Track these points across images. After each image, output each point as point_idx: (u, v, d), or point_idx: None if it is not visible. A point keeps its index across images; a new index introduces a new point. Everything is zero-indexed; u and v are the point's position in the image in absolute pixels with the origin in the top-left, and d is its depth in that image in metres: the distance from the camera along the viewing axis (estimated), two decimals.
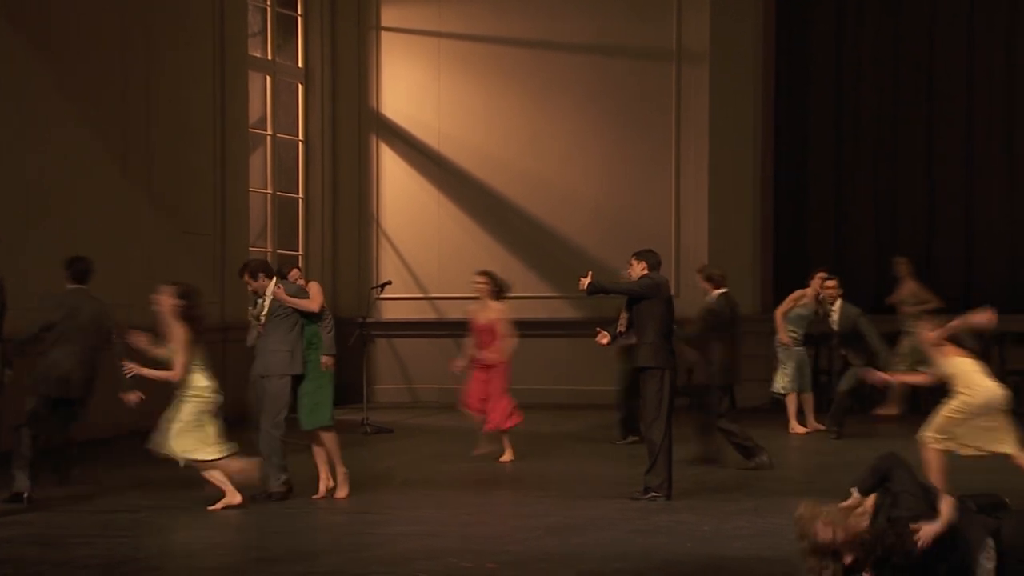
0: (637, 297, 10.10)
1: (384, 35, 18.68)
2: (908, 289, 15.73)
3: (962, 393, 8.77)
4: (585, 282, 10.23)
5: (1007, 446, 8.85)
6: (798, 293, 14.62)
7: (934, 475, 8.60)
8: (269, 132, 17.85)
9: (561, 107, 18.11)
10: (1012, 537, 6.60)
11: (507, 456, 12.23)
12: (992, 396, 8.76)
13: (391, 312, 18.33)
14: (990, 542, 6.54)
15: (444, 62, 18.49)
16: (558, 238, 18.00)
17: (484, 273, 12.40)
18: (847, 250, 18.19)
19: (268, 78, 17.86)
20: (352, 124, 18.64)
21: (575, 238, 17.94)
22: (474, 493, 10.45)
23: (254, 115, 17.50)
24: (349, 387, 16.80)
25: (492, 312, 12.07)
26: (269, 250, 17.83)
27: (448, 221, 18.41)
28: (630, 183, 17.90)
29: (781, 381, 14.28)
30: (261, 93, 17.77)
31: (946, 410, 8.84)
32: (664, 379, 9.90)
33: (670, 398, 9.97)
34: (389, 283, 17.38)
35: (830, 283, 13.73)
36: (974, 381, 8.78)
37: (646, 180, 17.85)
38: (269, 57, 17.90)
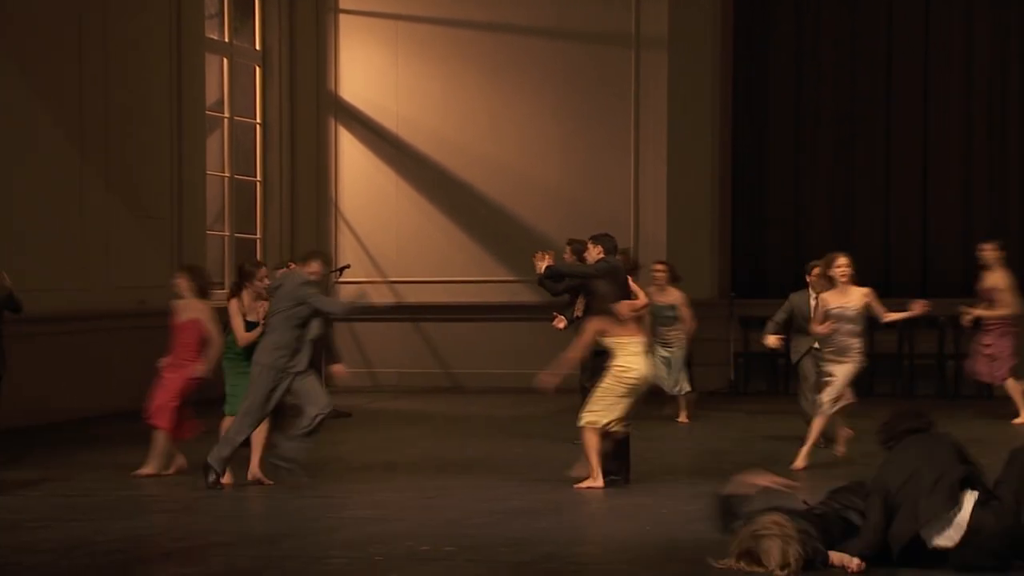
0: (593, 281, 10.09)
1: (343, 17, 18.58)
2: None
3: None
4: (542, 265, 10.20)
5: None
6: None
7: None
8: (226, 115, 17.73)
9: (520, 91, 18.09)
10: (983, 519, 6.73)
11: (177, 465, 10.66)
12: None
13: (350, 296, 18.26)
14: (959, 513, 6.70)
15: (403, 45, 18.42)
16: (516, 222, 17.99)
17: (187, 269, 11.31)
18: (804, 237, 18.27)
19: (225, 60, 17.73)
20: (310, 107, 18.54)
21: (533, 222, 17.94)
22: (433, 477, 10.43)
23: (211, 97, 17.37)
24: None
25: (193, 311, 10.75)
26: (227, 234, 17.73)
27: (406, 204, 18.36)
28: (589, 168, 17.90)
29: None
30: (218, 75, 17.65)
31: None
32: None
33: None
34: (348, 267, 17.34)
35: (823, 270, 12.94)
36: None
37: (605, 165, 17.86)
38: (226, 39, 17.77)
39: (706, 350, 16.68)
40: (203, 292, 10.82)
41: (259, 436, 10.10)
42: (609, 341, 9.64)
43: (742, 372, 17.26)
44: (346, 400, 15.71)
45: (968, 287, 17.78)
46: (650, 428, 12.76)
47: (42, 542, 7.92)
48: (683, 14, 17.65)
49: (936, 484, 6.76)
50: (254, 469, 10.10)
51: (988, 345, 13.84)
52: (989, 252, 13.95)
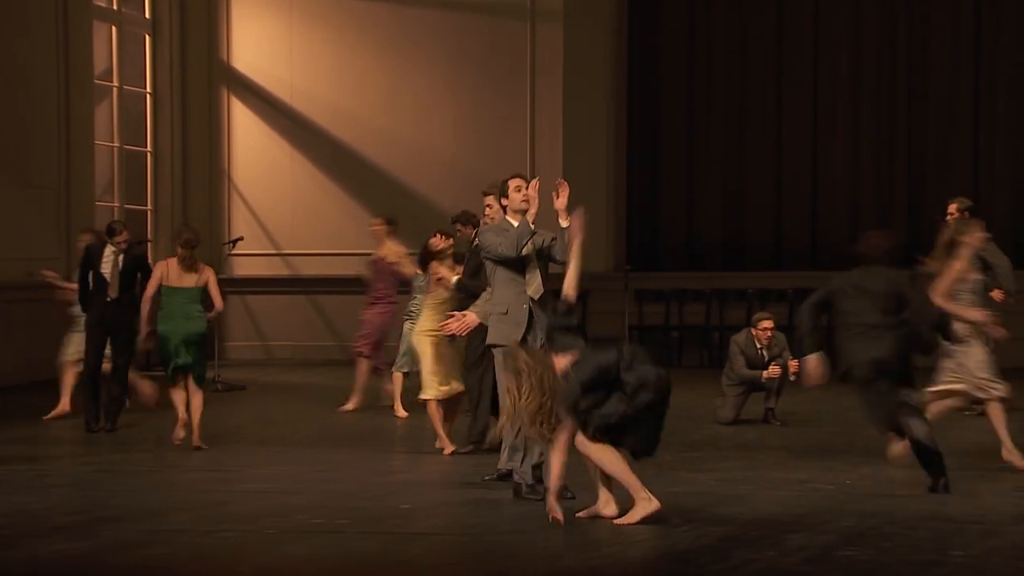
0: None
1: None
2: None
3: None
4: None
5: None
6: None
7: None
8: (115, 84, 17.43)
9: (415, 63, 18.01)
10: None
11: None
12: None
13: (244, 268, 18.10)
14: None
15: (296, 15, 18.24)
16: (411, 194, 17.94)
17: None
18: (697, 211, 18.51)
19: (114, 28, 17.42)
20: (202, 76, 18.29)
21: (429, 194, 17.91)
22: (326, 450, 10.39)
23: (99, 66, 17.06)
24: None
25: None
26: (116, 205, 17.47)
27: (301, 176, 18.22)
28: (485, 140, 17.91)
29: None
30: (107, 44, 17.33)
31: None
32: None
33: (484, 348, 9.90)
34: (241, 239, 17.15)
35: (766, 324, 11.68)
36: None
37: (501, 137, 17.88)
38: (115, 7, 17.46)
39: (601, 323, 16.80)
40: None
41: (196, 401, 10.24)
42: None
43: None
44: (240, 373, 15.60)
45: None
46: None
47: None
48: None
49: None
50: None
51: None
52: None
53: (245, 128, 18.41)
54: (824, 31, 18.23)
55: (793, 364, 11.05)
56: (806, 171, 18.34)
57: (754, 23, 18.43)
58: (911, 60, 18.10)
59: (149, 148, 18.06)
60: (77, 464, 9.67)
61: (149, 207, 18.05)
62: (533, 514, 7.66)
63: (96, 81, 16.80)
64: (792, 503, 8.03)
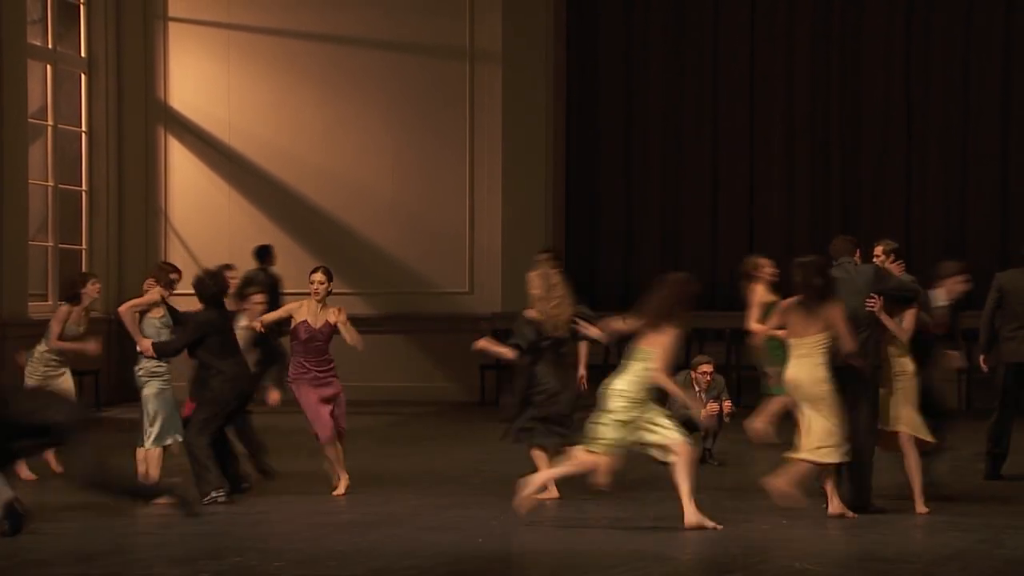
0: None
1: (172, 25, 18.26)
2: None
3: None
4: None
5: None
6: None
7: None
8: (50, 123, 17.28)
9: (354, 102, 18.02)
10: None
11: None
12: None
13: (181, 308, 17.92)
14: None
15: (234, 54, 18.19)
16: (351, 234, 17.91)
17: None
18: (635, 246, 18.62)
19: (49, 67, 17.30)
20: (139, 116, 18.18)
21: (368, 234, 17.90)
22: (263, 491, 10.29)
23: (34, 104, 16.92)
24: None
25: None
26: (50, 244, 17.29)
27: (239, 216, 18.13)
28: (424, 179, 17.93)
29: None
30: (41, 82, 17.20)
31: None
32: None
33: None
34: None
35: (706, 368, 11.59)
36: None
37: (440, 176, 17.91)
38: (50, 45, 17.34)
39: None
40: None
41: None
42: None
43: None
44: None
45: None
46: (486, 442, 12.79)
47: None
48: (516, 28, 17.80)
49: None
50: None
51: None
52: None
53: (182, 167, 18.31)
54: (759, 74, 18.43)
55: (728, 405, 11.32)
56: (742, 211, 18.52)
57: (691, 65, 18.61)
58: (844, 102, 18.31)
59: (84, 187, 17.91)
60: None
61: (84, 246, 17.89)
62: (471, 556, 7.62)
63: (30, 120, 16.66)
64: (729, 543, 8.04)
